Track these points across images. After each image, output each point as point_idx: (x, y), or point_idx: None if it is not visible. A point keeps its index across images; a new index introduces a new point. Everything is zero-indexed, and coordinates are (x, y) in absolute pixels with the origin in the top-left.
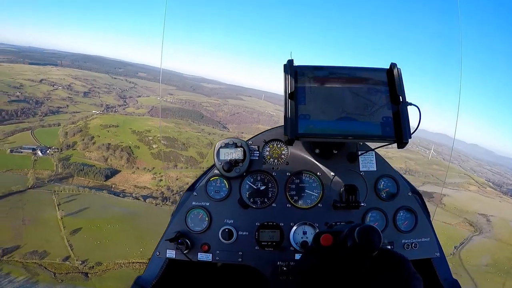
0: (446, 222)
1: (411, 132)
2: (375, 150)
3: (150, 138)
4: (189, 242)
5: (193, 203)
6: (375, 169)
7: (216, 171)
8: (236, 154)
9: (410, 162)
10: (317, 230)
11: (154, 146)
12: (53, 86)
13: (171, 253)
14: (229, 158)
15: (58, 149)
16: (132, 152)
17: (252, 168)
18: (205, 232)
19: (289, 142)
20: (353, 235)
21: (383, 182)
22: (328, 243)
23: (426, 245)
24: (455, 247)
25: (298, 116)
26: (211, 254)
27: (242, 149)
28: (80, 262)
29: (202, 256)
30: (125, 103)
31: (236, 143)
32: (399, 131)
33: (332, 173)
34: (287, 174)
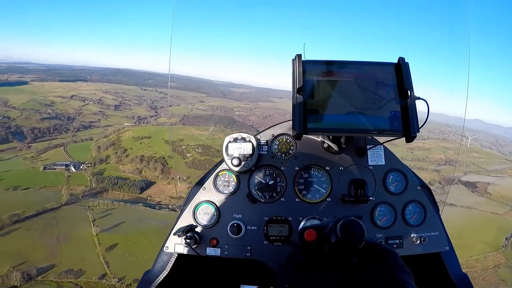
0: (494, 212)
1: (419, 126)
2: (384, 144)
3: (183, 147)
4: (197, 237)
5: (202, 197)
6: (384, 163)
7: (224, 166)
8: (244, 148)
9: (449, 152)
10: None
11: (188, 155)
12: (83, 101)
13: (179, 248)
14: (238, 153)
15: (91, 163)
16: (166, 163)
17: (261, 162)
18: (213, 227)
19: (298, 137)
20: (336, 230)
21: (391, 176)
22: (312, 238)
23: (435, 239)
24: (506, 239)
25: (307, 110)
26: (219, 249)
27: (250, 143)
28: (117, 279)
29: (211, 251)
30: (156, 114)
31: (244, 138)
32: (407, 125)
33: (340, 167)
34: (296, 168)
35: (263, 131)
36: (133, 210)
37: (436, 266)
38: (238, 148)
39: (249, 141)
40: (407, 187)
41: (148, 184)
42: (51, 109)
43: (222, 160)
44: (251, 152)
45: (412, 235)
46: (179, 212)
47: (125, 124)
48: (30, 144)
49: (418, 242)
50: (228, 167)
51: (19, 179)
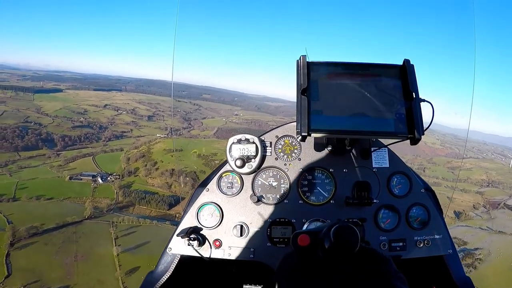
0: None
1: (424, 128)
2: (388, 146)
3: (216, 161)
4: (201, 238)
5: (205, 199)
6: (388, 166)
7: (228, 167)
8: (248, 150)
9: (491, 173)
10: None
11: None
12: (117, 110)
13: (183, 249)
14: (241, 154)
15: (119, 175)
16: (198, 178)
17: (265, 164)
18: (217, 228)
19: (302, 138)
20: (329, 235)
21: (395, 179)
22: (305, 244)
23: (439, 242)
24: None
25: (311, 112)
26: (223, 250)
27: (254, 145)
28: None
29: (214, 252)
30: (190, 126)
31: (248, 139)
32: (412, 128)
33: (344, 170)
34: (300, 170)
35: (267, 132)
36: (159, 229)
37: (439, 269)
38: (242, 149)
39: (253, 142)
40: (411, 190)
41: (177, 200)
42: (83, 118)
43: (226, 161)
44: (254, 153)
45: (415, 238)
46: (183, 213)
47: (157, 135)
48: (60, 152)
49: (421, 245)
50: (232, 168)
51: (43, 188)
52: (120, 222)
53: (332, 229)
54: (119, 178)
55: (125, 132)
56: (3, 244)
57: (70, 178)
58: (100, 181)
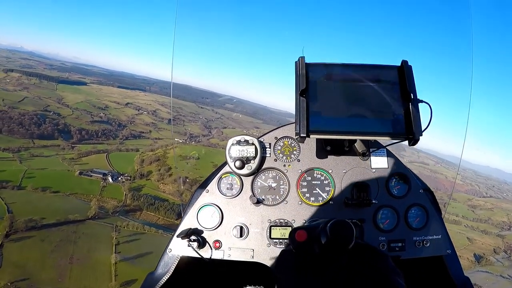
0: None
1: (423, 129)
2: (387, 147)
3: None
4: (200, 239)
5: (205, 200)
6: (387, 166)
7: (228, 169)
8: (247, 151)
9: None
10: None
11: None
12: (138, 110)
13: (183, 250)
14: (240, 156)
15: (131, 177)
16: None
17: (264, 165)
18: (216, 229)
19: (301, 139)
20: (326, 230)
21: (394, 179)
22: (303, 239)
23: (438, 242)
24: None
25: (310, 113)
26: (222, 251)
27: (254, 146)
28: None
29: (214, 253)
30: (209, 134)
31: (247, 140)
32: (410, 129)
33: (343, 170)
34: (299, 171)
35: (266, 133)
36: (165, 239)
37: (438, 269)
38: (241, 150)
39: (252, 143)
40: (410, 190)
41: None
42: (103, 113)
43: (225, 163)
44: (254, 154)
45: (414, 238)
46: (182, 214)
47: (176, 139)
48: (75, 145)
49: (420, 245)
50: (231, 169)
51: (51, 180)
52: (124, 227)
53: (328, 224)
54: (130, 180)
55: (143, 132)
56: None
57: (80, 174)
58: (110, 180)
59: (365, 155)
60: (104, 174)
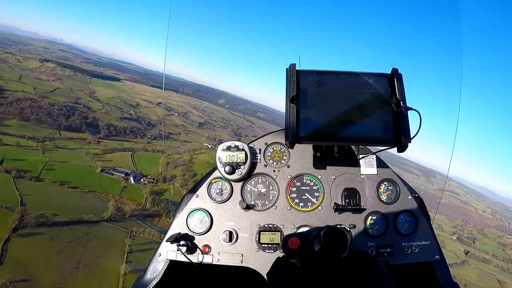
0: None
1: (412, 136)
2: (376, 153)
3: None
4: (190, 244)
5: (195, 205)
6: (376, 173)
7: (218, 174)
8: (238, 157)
9: None
10: None
11: None
12: (169, 111)
13: (172, 255)
14: (231, 161)
15: (153, 179)
16: None
17: (254, 171)
18: (206, 234)
19: (291, 145)
20: (319, 237)
21: (383, 186)
22: (295, 246)
23: (426, 248)
24: None
25: (300, 119)
26: (211, 256)
27: (244, 152)
28: None
29: (203, 258)
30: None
31: (238, 146)
32: (399, 136)
33: (333, 176)
34: (288, 177)
35: (256, 139)
36: None
37: (427, 275)
38: (231, 156)
39: (242, 149)
40: (399, 196)
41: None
42: (133, 111)
43: (215, 168)
44: (244, 160)
45: (403, 244)
46: (172, 219)
47: (204, 144)
48: (101, 140)
49: (409, 251)
50: (222, 175)
51: (71, 175)
52: (140, 234)
53: (322, 231)
54: (152, 182)
55: (172, 134)
56: (6, 226)
57: (102, 171)
58: (132, 181)
59: (355, 161)
60: (126, 174)
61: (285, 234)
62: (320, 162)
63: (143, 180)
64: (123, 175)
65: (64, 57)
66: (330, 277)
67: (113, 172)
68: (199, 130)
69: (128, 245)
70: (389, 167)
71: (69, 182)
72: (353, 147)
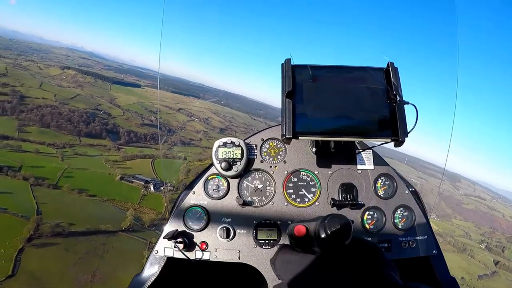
0: None
1: (408, 131)
2: (373, 148)
3: None
4: (187, 241)
5: (192, 201)
6: (373, 168)
7: (214, 170)
8: (234, 153)
9: None
10: None
11: None
12: (190, 117)
13: (169, 252)
14: (227, 157)
15: (174, 187)
16: None
17: (250, 167)
18: (203, 231)
19: (287, 141)
20: (324, 225)
21: (380, 181)
22: (301, 234)
23: (424, 243)
24: None
25: (296, 114)
26: (209, 252)
27: (240, 148)
28: None
29: (200, 255)
30: None
31: (234, 142)
32: (395, 130)
33: (330, 172)
34: (285, 172)
35: (252, 135)
36: None
37: (424, 270)
38: (227, 152)
39: (239, 145)
40: (396, 191)
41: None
42: (154, 117)
43: (212, 165)
44: (240, 156)
45: (401, 239)
46: (169, 216)
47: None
48: (121, 147)
49: (406, 246)
50: (218, 171)
51: (89, 183)
52: None
53: (326, 219)
54: (172, 190)
55: (193, 140)
56: (21, 236)
57: (121, 178)
58: (152, 189)
59: (352, 156)
60: (146, 182)
61: (282, 230)
62: (316, 157)
63: (164, 188)
64: (143, 183)
65: (85, 64)
66: (339, 268)
67: (133, 180)
68: (220, 136)
69: (146, 257)
70: (386, 162)
71: (88, 190)
72: (349, 142)
